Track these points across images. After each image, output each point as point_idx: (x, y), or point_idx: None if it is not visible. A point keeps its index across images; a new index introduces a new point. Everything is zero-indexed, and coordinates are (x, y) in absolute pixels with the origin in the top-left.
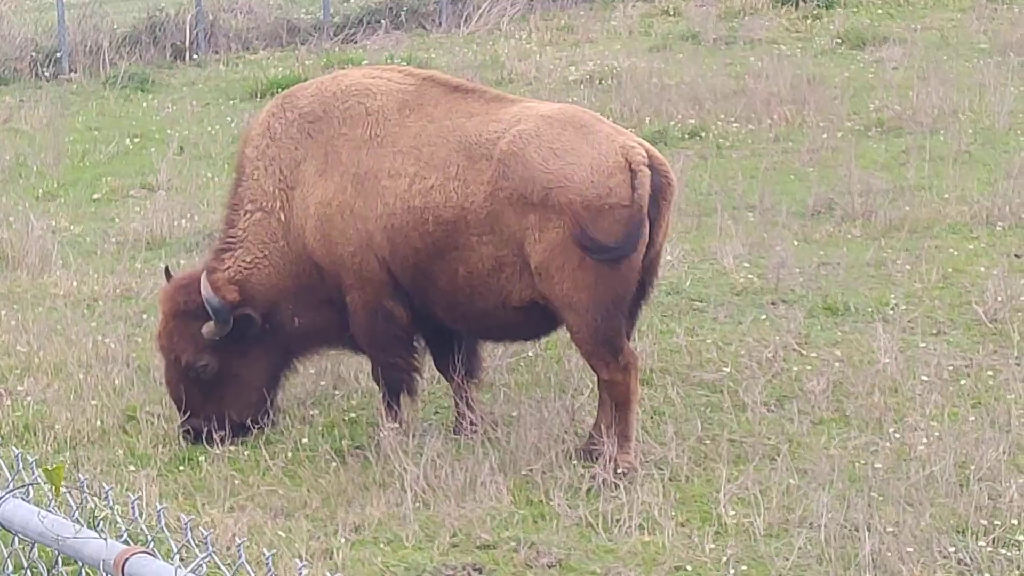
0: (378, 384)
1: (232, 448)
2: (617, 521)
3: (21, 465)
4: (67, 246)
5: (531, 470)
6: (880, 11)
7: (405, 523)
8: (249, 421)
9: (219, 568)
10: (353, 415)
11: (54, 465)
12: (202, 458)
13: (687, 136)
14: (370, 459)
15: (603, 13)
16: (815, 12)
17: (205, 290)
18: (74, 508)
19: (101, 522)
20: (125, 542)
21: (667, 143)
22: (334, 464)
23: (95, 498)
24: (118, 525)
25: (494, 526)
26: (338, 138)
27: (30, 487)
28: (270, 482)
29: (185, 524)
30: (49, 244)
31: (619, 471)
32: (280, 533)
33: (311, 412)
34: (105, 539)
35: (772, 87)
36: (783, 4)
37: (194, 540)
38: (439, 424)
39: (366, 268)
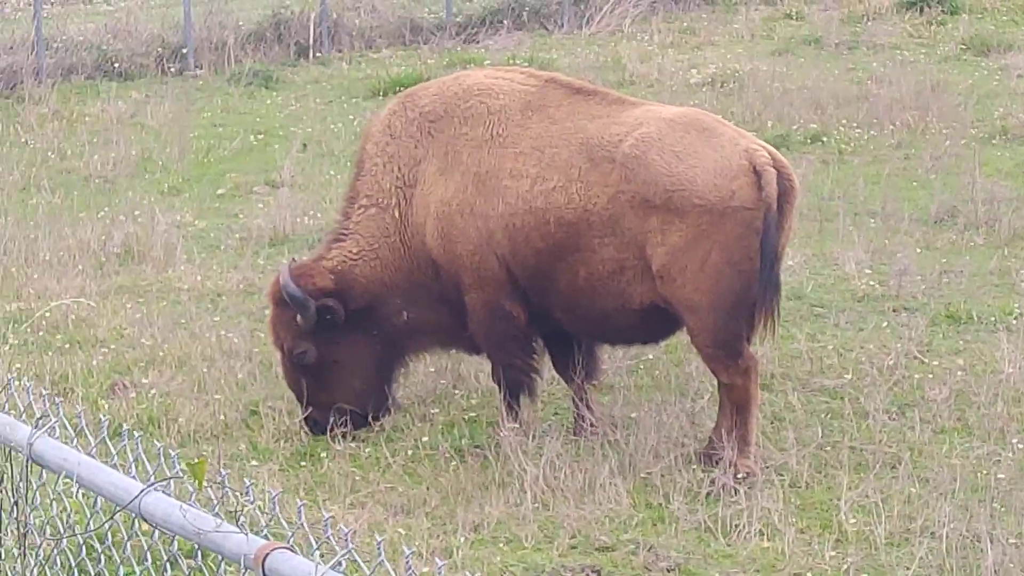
0: (498, 384)
1: (353, 445)
2: (736, 526)
3: (163, 459)
4: (191, 241)
5: (650, 473)
6: (1005, 18)
7: (524, 523)
8: (363, 412)
9: (358, 565)
10: (473, 414)
11: (196, 460)
12: (323, 454)
13: (809, 141)
14: (490, 458)
15: (725, 16)
16: (939, 18)
17: (283, 278)
18: (215, 503)
19: (241, 517)
20: (265, 537)
21: (789, 147)
22: (454, 463)
23: (236, 493)
24: (258, 521)
25: (613, 528)
26: (459, 137)
27: (171, 481)
28: (390, 479)
29: (326, 521)
30: (174, 238)
31: (739, 476)
32: (400, 530)
33: (431, 410)
34: (246, 534)
35: (895, 93)
36: (907, 9)
37: (334, 537)
38: (559, 425)
39: (485, 268)
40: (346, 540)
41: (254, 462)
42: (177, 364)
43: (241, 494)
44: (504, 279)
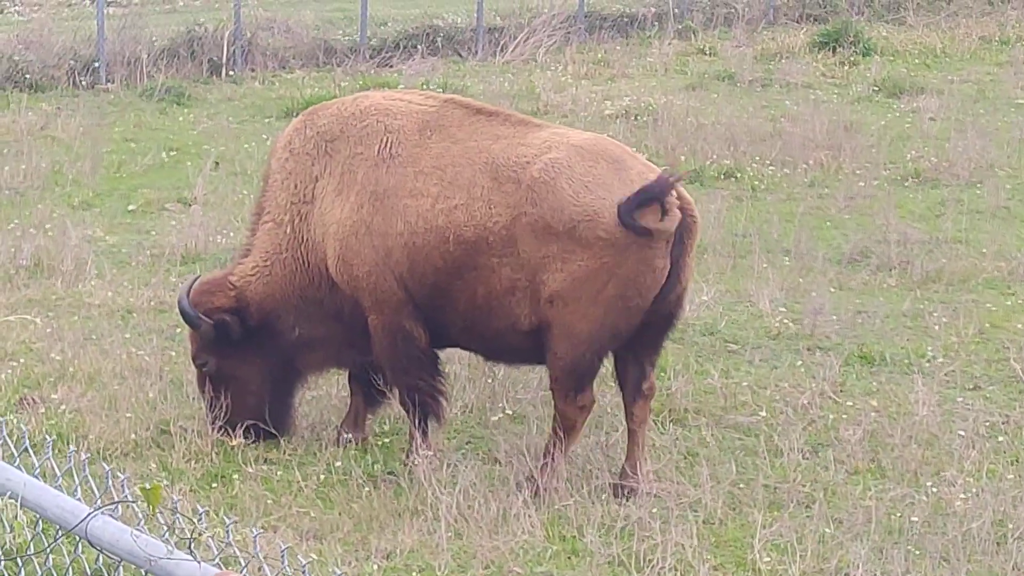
0: (405, 409)
1: (265, 467)
2: (650, 561)
3: (111, 482)
4: (102, 256)
5: (565, 506)
6: (917, 61)
7: (437, 552)
8: (265, 426)
9: None
10: (387, 440)
11: (151, 485)
12: (235, 476)
13: (722, 176)
14: (403, 485)
15: (639, 49)
16: (852, 59)
17: (179, 294)
18: (165, 528)
19: (192, 543)
20: (217, 565)
21: (702, 183)
22: (367, 489)
23: (190, 519)
24: (209, 547)
25: (527, 560)
26: (355, 157)
27: (118, 505)
28: (302, 503)
29: (282, 551)
30: (84, 253)
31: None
32: (312, 556)
33: (345, 435)
34: (199, 562)
35: (808, 131)
36: (820, 49)
37: (290, 567)
38: (473, 454)
39: (383, 288)
40: (303, 572)
41: (165, 482)
42: (87, 380)
43: (195, 519)
44: (403, 299)
